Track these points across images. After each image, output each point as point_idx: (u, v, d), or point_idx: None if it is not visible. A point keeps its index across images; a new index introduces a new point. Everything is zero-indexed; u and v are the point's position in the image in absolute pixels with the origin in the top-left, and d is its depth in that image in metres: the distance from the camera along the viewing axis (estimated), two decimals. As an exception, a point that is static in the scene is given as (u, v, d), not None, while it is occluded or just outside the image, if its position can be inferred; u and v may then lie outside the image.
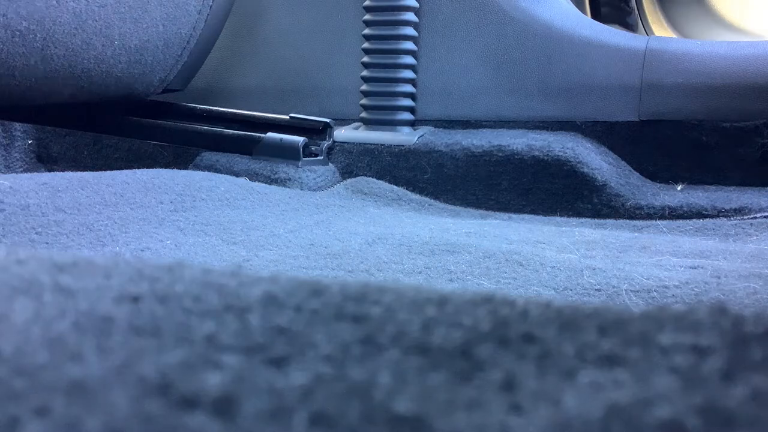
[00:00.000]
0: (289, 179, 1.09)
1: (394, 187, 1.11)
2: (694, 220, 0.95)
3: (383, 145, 1.15)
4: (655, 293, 0.56)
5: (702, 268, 0.65)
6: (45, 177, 0.76)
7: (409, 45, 1.18)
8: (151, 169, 0.89)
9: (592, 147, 1.08)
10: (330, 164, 1.16)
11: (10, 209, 0.67)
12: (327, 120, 1.17)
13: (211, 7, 1.12)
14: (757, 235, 0.83)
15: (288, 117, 1.17)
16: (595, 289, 0.57)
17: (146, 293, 0.23)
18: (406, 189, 1.12)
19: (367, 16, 1.18)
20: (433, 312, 0.22)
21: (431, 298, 0.23)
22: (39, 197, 0.71)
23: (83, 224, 0.68)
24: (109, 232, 0.68)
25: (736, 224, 0.90)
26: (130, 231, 0.69)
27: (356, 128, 1.20)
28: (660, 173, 1.08)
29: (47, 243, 0.64)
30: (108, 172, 0.84)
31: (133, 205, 0.76)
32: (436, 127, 1.20)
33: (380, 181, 1.12)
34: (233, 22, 1.25)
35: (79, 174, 0.81)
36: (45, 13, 0.88)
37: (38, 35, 0.89)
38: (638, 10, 1.76)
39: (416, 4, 1.17)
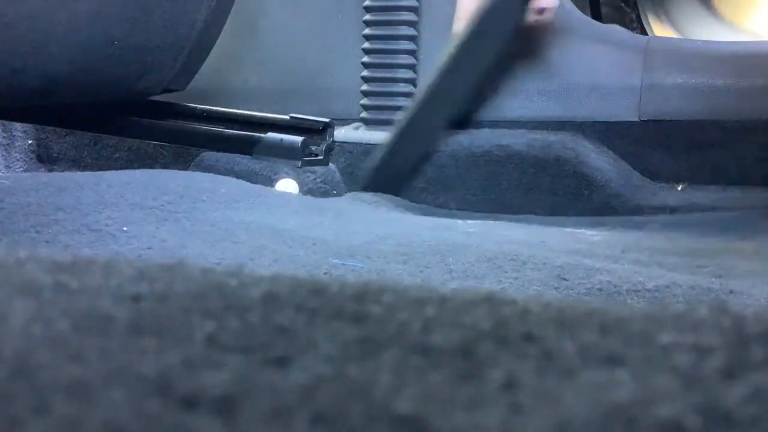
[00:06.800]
0: (289, 179, 1.09)
1: None
2: (695, 217, 0.95)
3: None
4: (656, 293, 0.56)
5: (704, 266, 0.65)
6: (46, 176, 0.76)
7: (409, 45, 1.18)
8: (151, 170, 0.89)
9: (593, 147, 1.08)
10: (330, 164, 1.16)
11: (10, 208, 0.67)
12: (327, 120, 1.17)
13: (211, 7, 1.11)
14: (757, 234, 0.83)
15: (288, 117, 1.17)
16: (596, 289, 0.57)
17: (146, 293, 0.23)
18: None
19: (367, 16, 1.18)
20: (433, 312, 0.22)
21: (431, 298, 0.23)
22: (39, 196, 0.71)
23: (84, 224, 0.68)
24: (110, 231, 0.68)
25: (736, 223, 0.90)
26: (130, 231, 0.69)
27: (356, 128, 1.20)
28: (660, 173, 1.08)
29: (47, 242, 0.64)
30: (108, 172, 0.84)
31: (134, 206, 0.76)
32: None
33: None
34: (233, 22, 1.25)
35: (80, 174, 0.81)
36: (45, 13, 0.88)
37: (38, 35, 0.89)
38: (638, 10, 1.76)
39: (416, 4, 1.17)
